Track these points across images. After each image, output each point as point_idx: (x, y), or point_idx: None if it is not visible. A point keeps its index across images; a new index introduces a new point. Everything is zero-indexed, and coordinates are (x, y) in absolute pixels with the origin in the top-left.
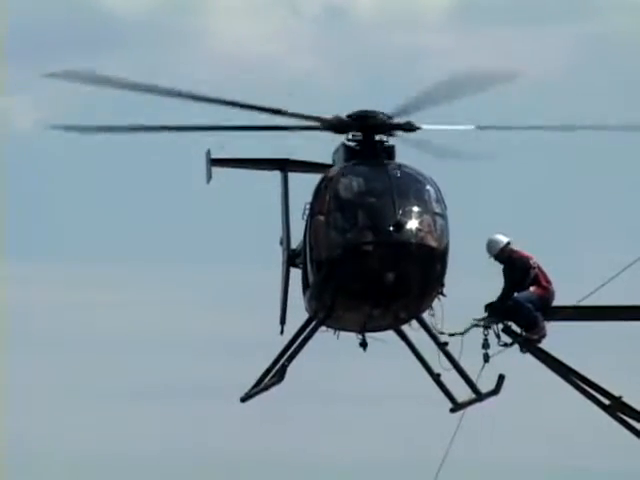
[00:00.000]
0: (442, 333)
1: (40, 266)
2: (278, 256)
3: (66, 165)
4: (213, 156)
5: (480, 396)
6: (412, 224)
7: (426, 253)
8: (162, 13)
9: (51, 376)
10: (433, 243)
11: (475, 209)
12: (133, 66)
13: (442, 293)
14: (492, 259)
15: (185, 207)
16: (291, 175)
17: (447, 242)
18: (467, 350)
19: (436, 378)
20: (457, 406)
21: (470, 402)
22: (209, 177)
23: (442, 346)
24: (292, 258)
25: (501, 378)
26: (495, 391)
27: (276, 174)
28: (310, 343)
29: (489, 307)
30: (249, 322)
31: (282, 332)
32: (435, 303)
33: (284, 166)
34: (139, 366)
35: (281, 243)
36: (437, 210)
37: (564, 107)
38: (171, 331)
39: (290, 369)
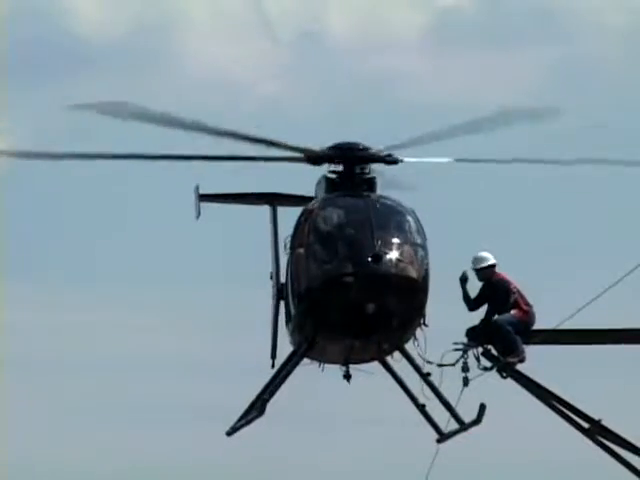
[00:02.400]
0: (430, 363)
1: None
2: (269, 289)
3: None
4: (201, 191)
5: (463, 426)
6: (391, 255)
7: (406, 284)
8: (136, 36)
9: (47, 398)
10: (413, 274)
11: (454, 235)
12: (106, 88)
13: (424, 323)
14: (474, 272)
15: (175, 239)
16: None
17: (427, 272)
18: (446, 374)
19: (421, 409)
20: (443, 437)
21: (455, 432)
22: (198, 213)
23: (425, 377)
24: (281, 292)
25: (482, 407)
26: (477, 421)
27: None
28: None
29: (470, 331)
30: (243, 347)
31: (273, 366)
32: (419, 333)
33: (272, 200)
34: (134, 387)
35: (271, 277)
36: (417, 241)
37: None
38: (165, 354)
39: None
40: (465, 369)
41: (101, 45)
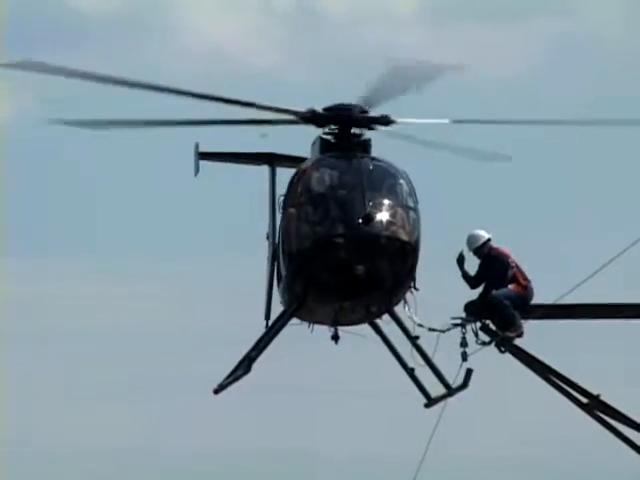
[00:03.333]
0: (421, 326)
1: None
2: (265, 251)
3: (49, 159)
4: (201, 150)
5: (450, 390)
6: (382, 217)
7: (396, 246)
8: (132, 9)
9: (41, 371)
10: (404, 236)
11: (452, 204)
12: (103, 61)
13: (414, 286)
14: (471, 253)
15: (172, 200)
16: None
17: (418, 235)
18: (445, 348)
19: (410, 373)
20: (430, 401)
21: (442, 397)
22: (197, 170)
23: (414, 340)
24: (277, 253)
25: (469, 372)
26: (464, 385)
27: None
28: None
29: (469, 305)
30: (237, 316)
31: (267, 327)
32: (409, 297)
33: (271, 160)
34: (128, 360)
35: (267, 238)
36: (408, 204)
37: (537, 102)
38: (158, 324)
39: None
40: (464, 344)
41: (98, 19)
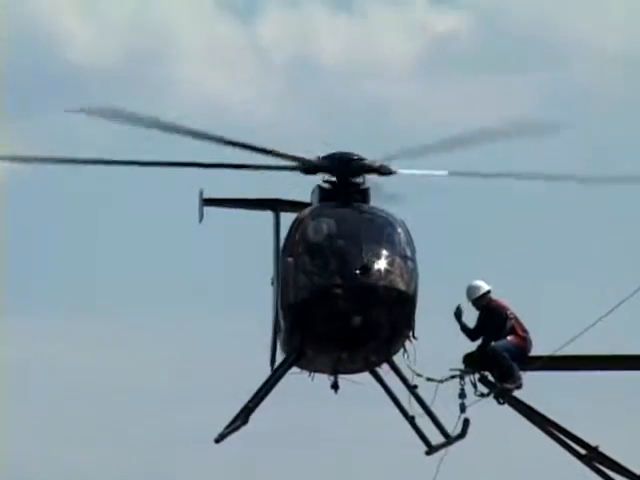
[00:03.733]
0: (419, 375)
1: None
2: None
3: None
4: (205, 196)
5: (449, 439)
6: (379, 267)
7: (394, 296)
8: (129, 62)
9: (42, 418)
10: (401, 286)
11: (449, 255)
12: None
13: (413, 336)
14: (470, 304)
15: (173, 247)
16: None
17: (416, 285)
18: (444, 398)
19: (411, 421)
20: (431, 449)
21: (442, 445)
22: (201, 217)
23: (412, 389)
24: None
25: (466, 422)
26: (462, 435)
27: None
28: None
29: (467, 357)
30: (241, 365)
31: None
32: (409, 346)
33: (276, 206)
34: (130, 406)
35: (272, 284)
36: (406, 253)
37: (535, 154)
38: (162, 376)
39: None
40: (462, 395)
41: (95, 72)
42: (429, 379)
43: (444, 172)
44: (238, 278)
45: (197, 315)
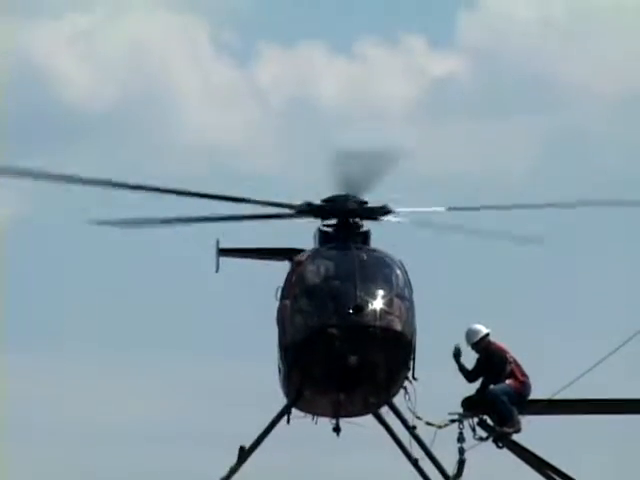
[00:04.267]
0: (419, 418)
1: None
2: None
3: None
4: (221, 246)
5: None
6: (375, 307)
7: (389, 336)
8: (125, 105)
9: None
10: (397, 326)
11: (446, 296)
12: (97, 159)
13: (413, 377)
14: (469, 347)
15: (189, 297)
16: None
17: (412, 325)
18: (443, 441)
19: (414, 463)
20: None
21: None
22: (217, 267)
23: (411, 430)
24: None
25: (461, 462)
26: (458, 475)
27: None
28: None
29: (466, 401)
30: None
31: (288, 421)
32: (409, 387)
33: (291, 255)
34: (130, 455)
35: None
36: (402, 293)
37: (535, 196)
38: (170, 423)
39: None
40: (461, 439)
41: (94, 117)
42: (428, 423)
43: (442, 208)
44: (253, 325)
45: (216, 362)
